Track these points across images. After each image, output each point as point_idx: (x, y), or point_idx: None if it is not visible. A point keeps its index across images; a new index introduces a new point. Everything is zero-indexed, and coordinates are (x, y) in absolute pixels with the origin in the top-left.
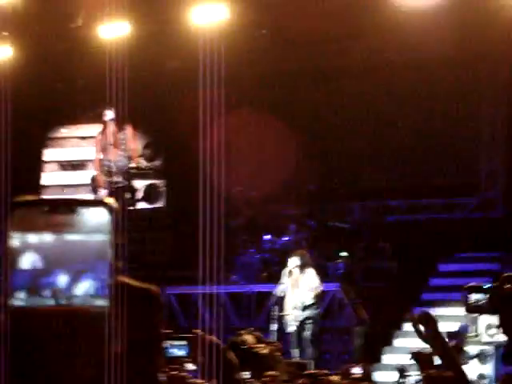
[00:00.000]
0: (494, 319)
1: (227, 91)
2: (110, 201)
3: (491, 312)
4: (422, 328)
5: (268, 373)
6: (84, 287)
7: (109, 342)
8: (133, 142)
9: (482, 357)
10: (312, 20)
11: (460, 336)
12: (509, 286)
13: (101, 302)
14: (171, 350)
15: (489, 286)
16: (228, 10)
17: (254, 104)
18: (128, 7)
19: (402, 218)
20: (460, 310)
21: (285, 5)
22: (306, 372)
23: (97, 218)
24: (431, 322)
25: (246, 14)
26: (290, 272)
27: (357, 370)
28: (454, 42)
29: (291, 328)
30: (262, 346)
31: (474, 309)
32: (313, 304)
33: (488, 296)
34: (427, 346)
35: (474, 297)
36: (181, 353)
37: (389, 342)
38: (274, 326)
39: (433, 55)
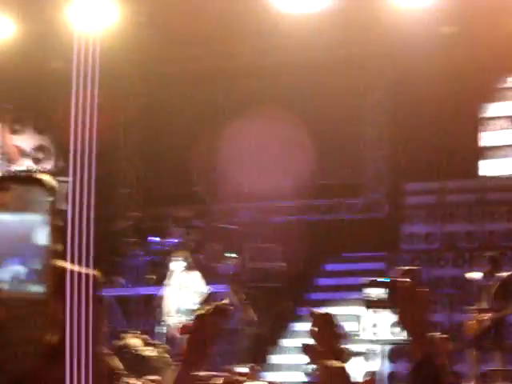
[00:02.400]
0: (384, 317)
1: (108, 92)
2: (47, 178)
3: (391, 307)
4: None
5: (150, 377)
6: (16, 272)
7: (47, 330)
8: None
9: (368, 355)
10: (198, 21)
11: (346, 334)
12: (408, 280)
13: (35, 288)
14: None
15: (389, 280)
16: (114, 10)
17: (140, 104)
18: (11, 6)
19: (289, 219)
20: (346, 309)
21: (171, 5)
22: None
23: (31, 196)
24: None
25: (132, 15)
26: (174, 274)
27: (243, 370)
28: (337, 43)
29: (173, 329)
30: (150, 348)
31: (373, 304)
32: (196, 306)
33: (388, 291)
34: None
35: (375, 292)
36: None
37: (277, 342)
38: (162, 329)
39: (317, 57)
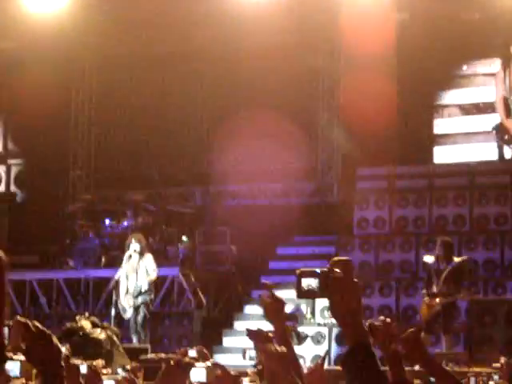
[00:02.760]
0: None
1: (59, 73)
2: None
3: (323, 296)
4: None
5: (96, 361)
6: None
7: None
8: None
9: (316, 338)
10: (151, 4)
11: (295, 318)
12: (338, 270)
13: None
14: None
15: (320, 270)
16: None
17: (91, 86)
18: None
19: (241, 203)
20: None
21: None
22: (142, 357)
23: None
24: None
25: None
26: (130, 257)
27: (192, 353)
28: (290, 28)
29: (128, 313)
30: (98, 330)
31: (305, 294)
32: (146, 290)
33: (319, 282)
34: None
35: (306, 282)
36: None
37: (229, 325)
38: (113, 311)
39: (269, 42)
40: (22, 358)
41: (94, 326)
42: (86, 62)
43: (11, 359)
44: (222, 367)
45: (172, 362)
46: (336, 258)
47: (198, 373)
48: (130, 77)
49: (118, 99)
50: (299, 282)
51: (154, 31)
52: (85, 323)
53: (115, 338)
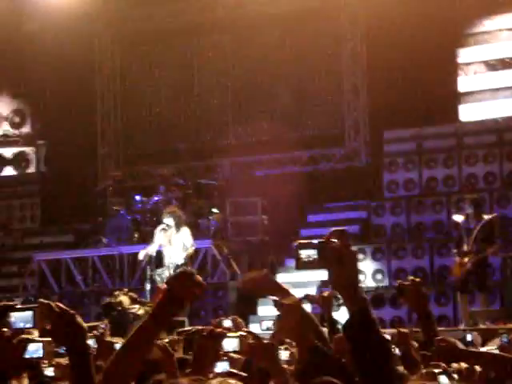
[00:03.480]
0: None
1: (82, 53)
2: None
3: (321, 267)
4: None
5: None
6: None
7: None
8: None
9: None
10: None
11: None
12: (336, 241)
13: None
14: (15, 322)
15: (317, 241)
16: None
17: (116, 63)
18: None
19: (270, 172)
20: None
21: None
22: (179, 330)
23: None
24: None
25: None
26: (164, 230)
27: (228, 323)
28: None
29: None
30: (137, 306)
31: (304, 265)
32: (184, 264)
33: (317, 252)
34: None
35: (305, 253)
36: (27, 324)
37: (262, 295)
38: (148, 286)
39: (291, 8)
40: (46, 339)
41: (133, 301)
42: (109, 38)
43: (34, 341)
44: (255, 336)
45: (204, 333)
46: (333, 229)
47: (231, 342)
48: (154, 50)
49: (143, 74)
50: (298, 254)
51: (176, 3)
52: (123, 298)
53: None
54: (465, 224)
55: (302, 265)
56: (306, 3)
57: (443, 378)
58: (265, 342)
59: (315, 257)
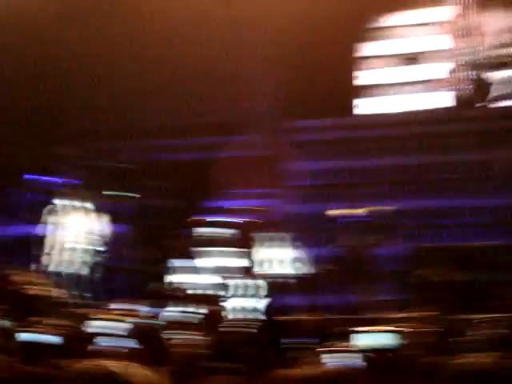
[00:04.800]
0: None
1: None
2: None
3: (238, 246)
4: None
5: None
6: None
7: None
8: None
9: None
10: None
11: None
12: (253, 221)
13: None
14: None
15: (233, 220)
16: None
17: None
18: None
19: (173, 157)
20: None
21: None
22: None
23: None
24: None
25: None
26: (63, 212)
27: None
28: None
29: (66, 268)
30: (39, 287)
31: (219, 242)
32: (90, 245)
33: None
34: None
35: (220, 232)
36: None
37: (159, 278)
38: (43, 267)
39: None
40: None
41: (29, 281)
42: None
43: None
44: None
45: None
46: (250, 208)
47: None
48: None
49: (51, 54)
50: (214, 232)
51: None
52: (18, 277)
53: (53, 295)
54: (344, 218)
55: (218, 243)
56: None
57: None
58: None
59: (232, 235)
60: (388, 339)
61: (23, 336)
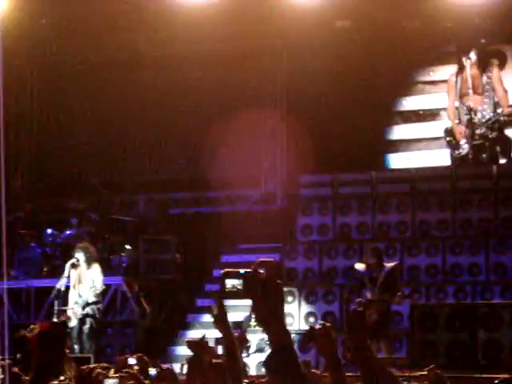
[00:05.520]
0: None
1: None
2: None
3: (246, 297)
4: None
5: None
6: None
7: None
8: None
9: (261, 345)
10: (93, 12)
11: (244, 326)
12: (262, 272)
13: None
14: None
15: (245, 271)
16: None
17: (33, 95)
18: None
19: (186, 211)
20: (243, 301)
21: None
22: (85, 366)
23: None
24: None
25: (27, 3)
26: (74, 266)
27: (133, 361)
28: (233, 35)
29: (72, 323)
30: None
31: (229, 294)
32: (94, 301)
33: (243, 283)
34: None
35: (230, 282)
36: None
37: (173, 334)
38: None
39: (213, 49)
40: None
41: None
42: (27, 70)
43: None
44: (136, 377)
45: (83, 374)
46: (260, 260)
47: (112, 383)
48: (72, 84)
49: (59, 106)
50: (223, 283)
51: (98, 39)
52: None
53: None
54: (367, 273)
55: (227, 294)
56: (227, 44)
57: None
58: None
59: (240, 287)
60: None
61: None
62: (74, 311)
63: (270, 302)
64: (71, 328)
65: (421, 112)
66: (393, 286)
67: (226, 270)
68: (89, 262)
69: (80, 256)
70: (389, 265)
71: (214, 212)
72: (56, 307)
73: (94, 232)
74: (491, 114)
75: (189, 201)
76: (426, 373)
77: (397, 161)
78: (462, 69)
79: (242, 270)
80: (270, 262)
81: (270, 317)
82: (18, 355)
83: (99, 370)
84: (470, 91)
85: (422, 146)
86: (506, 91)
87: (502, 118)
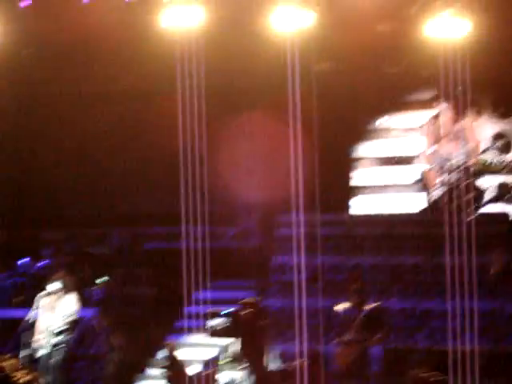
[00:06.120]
0: None
1: None
2: None
3: (231, 336)
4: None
5: None
6: None
7: None
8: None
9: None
10: (79, 44)
11: (214, 363)
12: (246, 311)
13: None
14: None
15: (228, 311)
16: None
17: (10, 124)
18: None
19: (159, 245)
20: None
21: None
22: None
23: None
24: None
25: (11, 33)
26: (47, 295)
27: None
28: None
29: (41, 353)
30: (22, 373)
31: (215, 334)
32: (65, 330)
33: (228, 321)
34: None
35: (213, 322)
36: None
37: (142, 370)
38: (25, 352)
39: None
40: None
41: (16, 367)
42: (8, 98)
43: None
44: None
45: None
46: (245, 300)
47: None
48: (53, 115)
49: (37, 138)
50: (212, 322)
51: (83, 70)
52: (7, 364)
53: (40, 381)
54: (346, 312)
55: (214, 333)
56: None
57: None
58: None
59: (224, 326)
60: None
61: None
62: (42, 340)
63: (255, 339)
64: (39, 358)
65: (395, 157)
66: (374, 326)
67: (211, 310)
68: (63, 292)
69: (54, 286)
70: (369, 306)
71: (188, 248)
72: (26, 338)
73: (67, 264)
74: (463, 162)
75: (163, 235)
76: None
77: (360, 205)
78: (437, 115)
79: (227, 310)
80: (255, 302)
81: (254, 354)
82: None
83: None
84: (445, 138)
85: (396, 190)
86: (478, 140)
87: (472, 168)
